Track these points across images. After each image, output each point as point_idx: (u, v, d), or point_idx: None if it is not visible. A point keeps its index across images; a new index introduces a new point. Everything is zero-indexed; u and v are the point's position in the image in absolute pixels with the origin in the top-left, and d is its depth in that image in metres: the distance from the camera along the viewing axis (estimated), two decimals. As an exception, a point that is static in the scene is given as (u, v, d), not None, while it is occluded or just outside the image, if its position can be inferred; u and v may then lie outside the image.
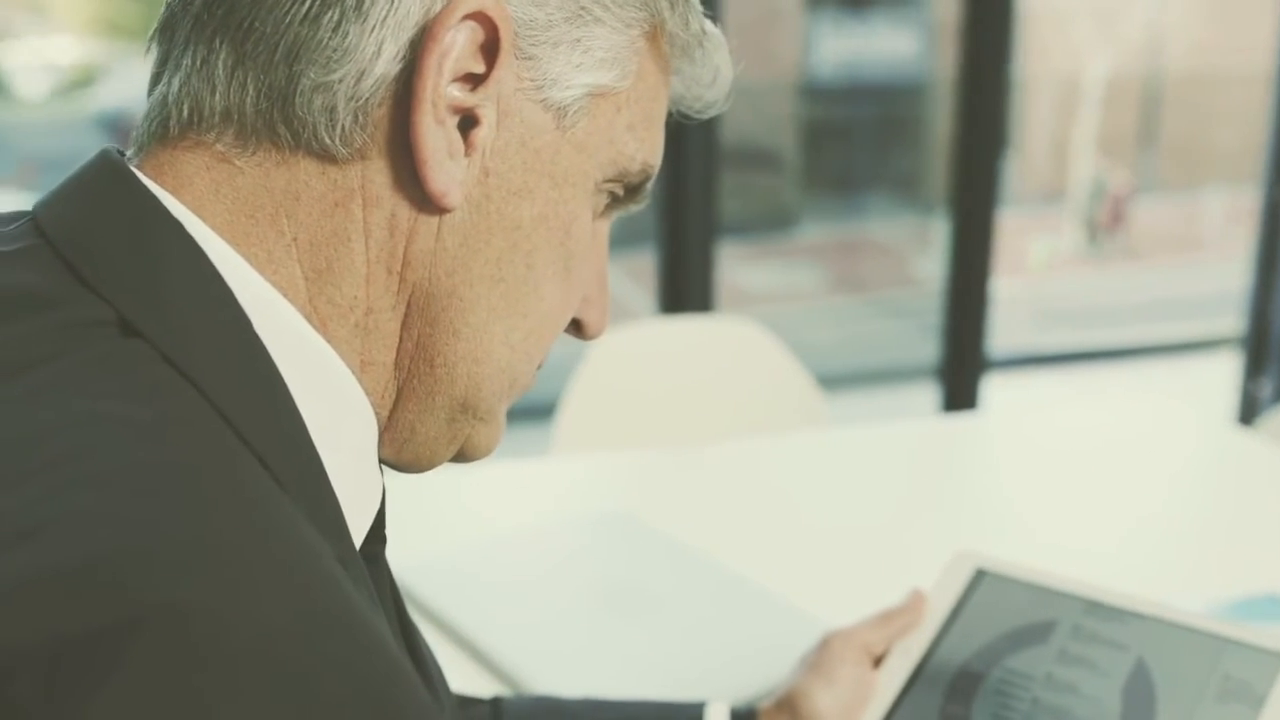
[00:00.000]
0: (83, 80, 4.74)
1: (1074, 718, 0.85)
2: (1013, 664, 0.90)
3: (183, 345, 0.49)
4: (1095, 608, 0.91)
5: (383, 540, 0.65)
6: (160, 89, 0.56)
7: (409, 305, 0.57)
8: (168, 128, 0.55)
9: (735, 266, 5.92)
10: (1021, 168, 6.80)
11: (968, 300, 2.96)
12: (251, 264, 0.54)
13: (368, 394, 0.58)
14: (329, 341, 0.56)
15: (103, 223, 0.52)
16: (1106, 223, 6.45)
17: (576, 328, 0.66)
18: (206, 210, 0.53)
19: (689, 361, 2.05)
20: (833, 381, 4.73)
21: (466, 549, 1.36)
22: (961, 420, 2.40)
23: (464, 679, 1.12)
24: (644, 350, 2.04)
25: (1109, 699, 0.85)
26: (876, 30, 5.81)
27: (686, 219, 2.68)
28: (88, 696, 0.37)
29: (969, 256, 2.93)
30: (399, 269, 0.56)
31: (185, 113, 0.54)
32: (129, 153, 0.57)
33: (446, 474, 1.58)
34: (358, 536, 0.58)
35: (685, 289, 2.72)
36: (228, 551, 0.42)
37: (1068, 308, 6.19)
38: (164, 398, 0.48)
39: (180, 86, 0.55)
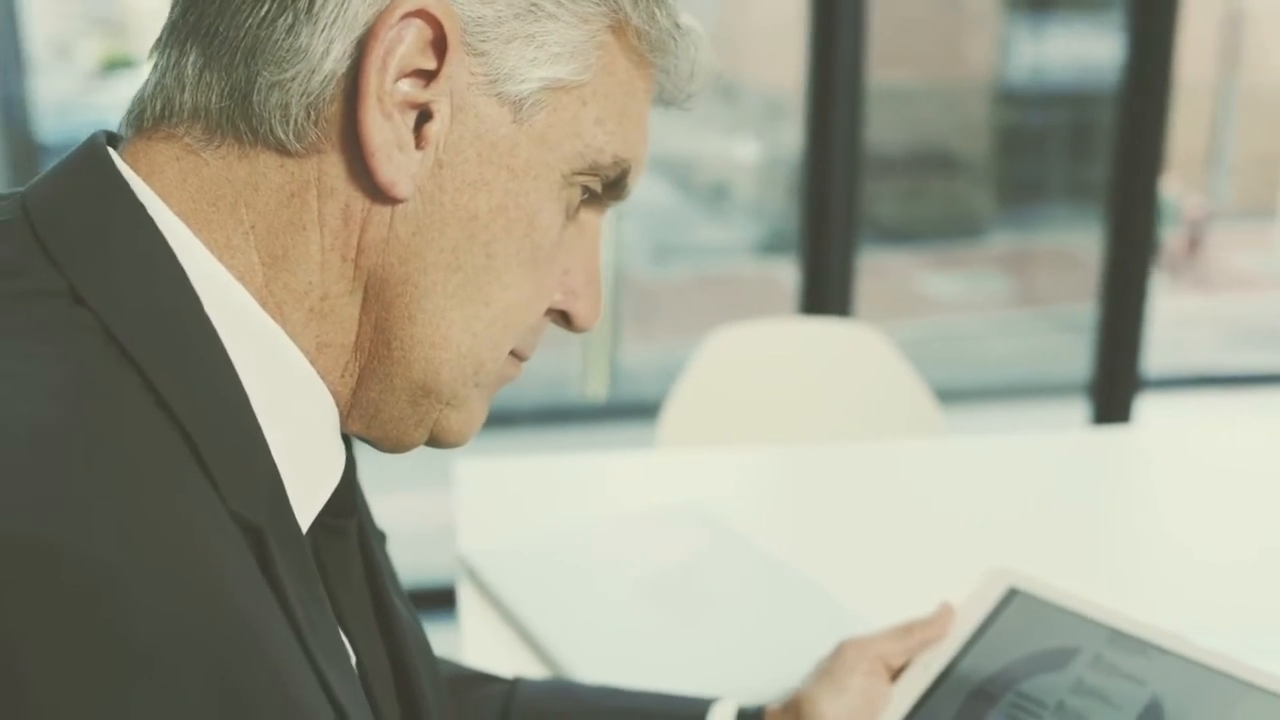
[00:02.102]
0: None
1: None
2: (1028, 688, 0.88)
3: (122, 316, 0.53)
4: (1119, 638, 0.89)
5: (351, 514, 0.68)
6: (139, 86, 0.62)
7: (366, 290, 0.60)
8: (142, 120, 0.60)
9: (918, 273, 5.81)
10: (1231, 180, 6.48)
11: (1124, 315, 2.86)
12: (210, 249, 0.58)
13: (325, 374, 0.62)
14: (283, 325, 0.59)
15: (72, 199, 0.57)
16: (1181, 250, 6.01)
17: (565, 320, 0.69)
18: (172, 197, 0.58)
19: (803, 363, 2.05)
20: (996, 393, 4.62)
21: (538, 537, 1.41)
22: (1093, 435, 2.33)
23: (516, 663, 1.17)
24: (759, 350, 2.05)
25: None
26: (1076, 35, 5.62)
27: (829, 224, 2.67)
28: None
29: (1125, 269, 2.83)
30: (353, 256, 0.60)
31: (158, 107, 0.59)
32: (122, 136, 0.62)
33: (535, 462, 1.64)
34: (311, 509, 0.62)
35: (825, 294, 2.71)
36: (87, 501, 0.46)
37: (1270, 326, 5.87)
38: (84, 364, 0.52)
39: (155, 84, 0.60)
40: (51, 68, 3.95)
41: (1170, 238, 6.00)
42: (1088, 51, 5.59)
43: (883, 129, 5.50)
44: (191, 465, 0.52)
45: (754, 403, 1.99)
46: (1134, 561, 1.43)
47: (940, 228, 5.90)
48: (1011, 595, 0.96)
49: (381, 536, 0.82)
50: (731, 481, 1.67)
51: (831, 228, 2.66)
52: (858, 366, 2.02)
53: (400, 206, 0.59)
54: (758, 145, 5.36)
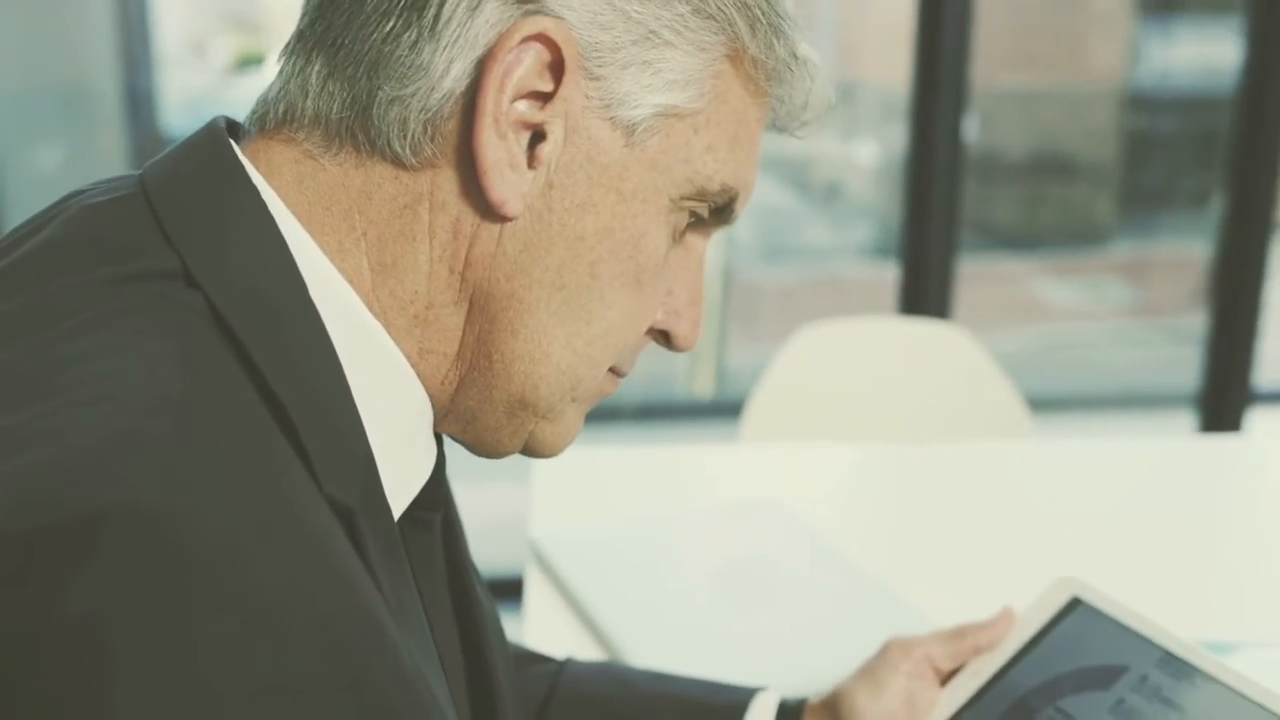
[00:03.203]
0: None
1: None
2: (1067, 705, 0.87)
3: (232, 300, 0.55)
4: (1170, 661, 0.86)
5: (437, 508, 0.70)
6: (264, 89, 0.64)
7: (471, 303, 0.62)
8: (265, 122, 0.62)
9: (1040, 281, 5.71)
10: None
11: (1235, 325, 2.78)
12: (322, 249, 0.60)
13: (425, 378, 0.63)
14: (387, 328, 0.61)
15: (192, 181, 0.59)
16: None
17: (666, 339, 0.70)
18: (289, 196, 0.60)
19: (890, 363, 2.04)
20: (1101, 402, 4.52)
21: (607, 525, 1.44)
22: (1186, 442, 2.26)
23: (578, 648, 1.19)
24: (845, 349, 2.04)
25: None
26: (1208, 37, 5.47)
27: (929, 226, 2.65)
28: (66, 580, 0.43)
29: (1237, 279, 2.75)
30: (461, 269, 0.61)
31: (281, 111, 0.61)
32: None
33: (612, 453, 1.66)
34: (401, 502, 0.64)
35: (924, 297, 2.69)
36: (197, 468, 0.47)
37: None
38: (190, 342, 0.53)
39: (280, 89, 0.62)
40: (187, 64, 4.10)
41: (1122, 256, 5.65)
42: (1219, 55, 5.43)
43: (1006, 133, 5.42)
44: (288, 448, 0.53)
45: (838, 400, 1.99)
46: (1236, 572, 1.40)
47: (1062, 234, 5.79)
48: (1073, 605, 0.93)
49: (459, 524, 0.84)
50: (809, 477, 1.67)
51: (932, 230, 2.64)
52: (946, 368, 2.01)
53: (509, 224, 0.60)
54: (874, 146, 5.32)
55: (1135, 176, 5.76)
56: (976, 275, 5.45)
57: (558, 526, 1.43)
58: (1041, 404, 2.42)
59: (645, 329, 0.68)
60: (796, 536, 1.42)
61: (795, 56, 0.65)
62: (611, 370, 0.68)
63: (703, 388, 4.63)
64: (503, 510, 2.43)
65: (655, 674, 1.01)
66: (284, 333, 0.55)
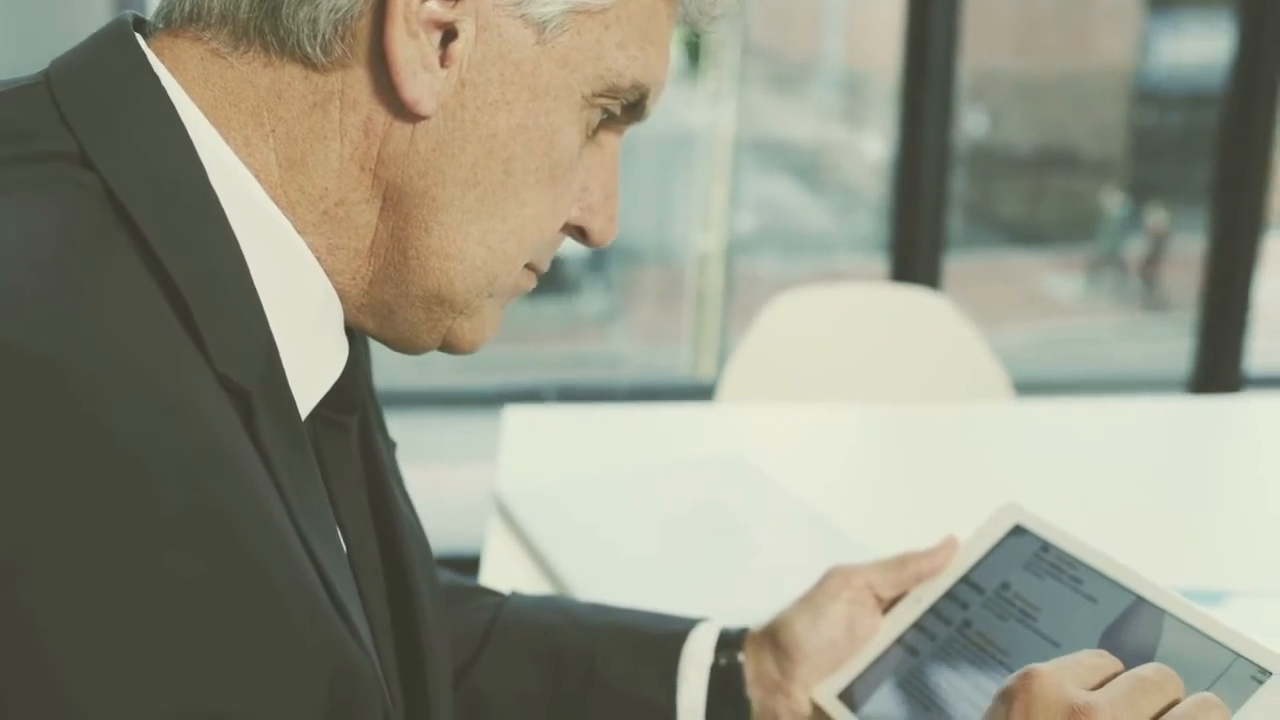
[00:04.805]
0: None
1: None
2: (1015, 584, 0.88)
3: (126, 178, 0.55)
4: (1104, 582, 0.85)
5: (353, 410, 0.71)
6: None
7: (384, 200, 0.62)
8: (171, 18, 0.62)
9: (1045, 276, 5.71)
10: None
11: (1225, 314, 2.78)
12: (227, 142, 0.60)
13: (333, 273, 0.64)
14: (294, 223, 0.61)
15: (92, 68, 0.60)
16: (1143, 266, 5.34)
17: (582, 234, 0.71)
18: (195, 91, 0.60)
19: (868, 327, 2.03)
20: (1102, 387, 4.50)
21: (570, 479, 1.45)
22: (1164, 403, 2.22)
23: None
24: (824, 314, 2.03)
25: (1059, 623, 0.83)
26: (1219, 33, 5.46)
27: (916, 229, 2.64)
28: None
29: (1228, 268, 2.75)
30: (373, 166, 0.61)
31: (187, 9, 0.61)
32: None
33: (582, 411, 1.64)
34: (308, 398, 0.64)
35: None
36: (66, 317, 0.48)
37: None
38: (79, 216, 0.54)
39: None
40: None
41: (1129, 252, 5.50)
42: (1226, 49, 5.41)
43: (1012, 126, 5.42)
44: (179, 326, 0.53)
45: (815, 365, 1.98)
46: (1223, 524, 1.39)
47: (1068, 229, 5.78)
48: (1016, 533, 0.92)
49: (392, 445, 0.85)
50: (777, 436, 1.67)
51: (921, 223, 2.62)
52: (926, 335, 2.00)
53: (422, 123, 0.60)
54: (880, 139, 5.33)
55: (1141, 170, 5.75)
56: (979, 269, 5.44)
57: (521, 479, 1.44)
58: (1032, 388, 2.41)
59: (560, 225, 0.68)
60: (757, 487, 1.42)
61: None
62: (528, 267, 0.69)
63: (705, 371, 4.66)
64: (473, 491, 2.44)
65: (598, 606, 1.00)
66: (179, 213, 0.55)
